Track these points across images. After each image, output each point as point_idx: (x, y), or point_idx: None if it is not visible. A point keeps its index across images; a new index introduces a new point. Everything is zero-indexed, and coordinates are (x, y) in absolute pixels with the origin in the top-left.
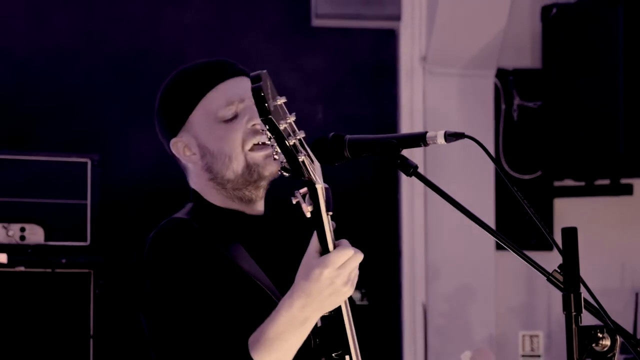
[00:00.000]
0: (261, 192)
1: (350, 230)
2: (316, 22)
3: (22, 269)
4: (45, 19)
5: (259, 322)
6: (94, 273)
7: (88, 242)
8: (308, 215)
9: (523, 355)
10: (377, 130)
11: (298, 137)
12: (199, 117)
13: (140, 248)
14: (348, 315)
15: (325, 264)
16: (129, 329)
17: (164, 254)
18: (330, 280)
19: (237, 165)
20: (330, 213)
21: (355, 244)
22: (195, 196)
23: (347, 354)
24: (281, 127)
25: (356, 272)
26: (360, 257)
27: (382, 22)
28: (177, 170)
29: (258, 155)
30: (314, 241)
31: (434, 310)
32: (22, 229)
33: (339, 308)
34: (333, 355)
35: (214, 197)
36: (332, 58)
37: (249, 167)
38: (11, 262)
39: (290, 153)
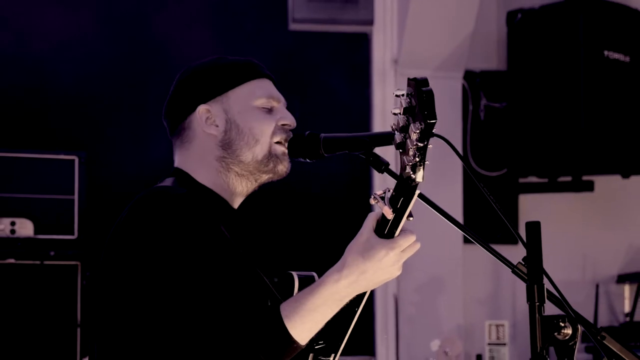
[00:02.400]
0: (251, 190)
1: (326, 224)
2: (293, 27)
3: (12, 261)
4: (36, 23)
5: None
6: (81, 265)
7: (75, 236)
8: (390, 217)
9: (489, 344)
10: (351, 128)
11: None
12: (240, 94)
13: (124, 218)
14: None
15: (393, 246)
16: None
17: (168, 218)
18: (392, 262)
19: (259, 150)
20: (412, 218)
21: (330, 237)
22: (178, 173)
23: (347, 332)
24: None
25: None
26: (418, 245)
27: (355, 26)
28: (161, 167)
29: (280, 150)
30: (371, 220)
31: (405, 301)
32: (13, 223)
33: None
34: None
35: (209, 178)
36: (308, 60)
37: (269, 155)
38: (2, 255)
39: (424, 158)
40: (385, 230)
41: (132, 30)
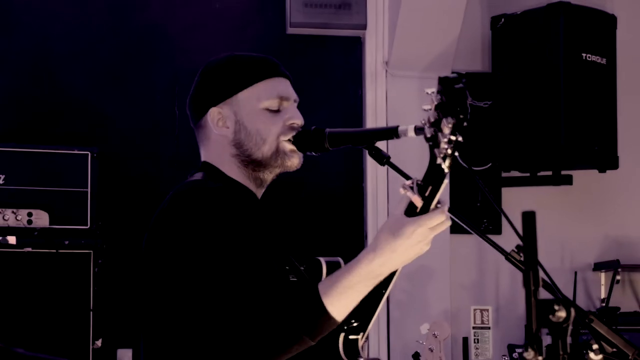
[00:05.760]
0: (270, 179)
1: (322, 214)
2: (290, 30)
3: (29, 249)
4: (48, 22)
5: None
6: (93, 253)
7: (88, 226)
8: (419, 205)
9: (474, 327)
10: (345, 126)
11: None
12: (248, 96)
13: (165, 210)
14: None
15: (420, 223)
16: (125, 304)
17: (208, 210)
18: (420, 238)
19: (267, 150)
20: (440, 205)
21: (325, 227)
22: (207, 167)
23: (374, 313)
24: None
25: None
26: (448, 223)
27: (349, 30)
28: (168, 161)
29: (288, 147)
30: (402, 204)
31: (395, 287)
32: (30, 214)
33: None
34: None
35: (233, 172)
36: (305, 62)
37: (277, 153)
38: (19, 244)
39: (455, 150)
40: (416, 212)
41: (140, 34)
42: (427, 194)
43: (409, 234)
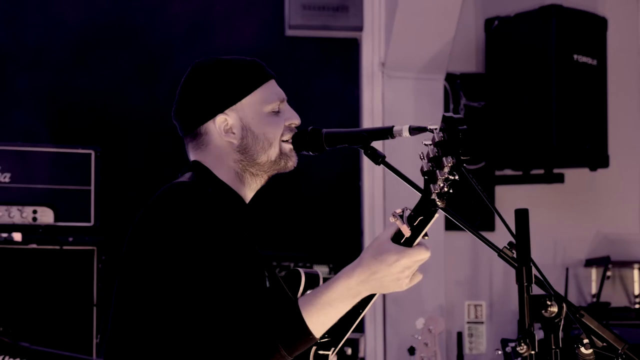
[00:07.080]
0: (264, 181)
1: (319, 213)
2: (289, 32)
3: (34, 246)
4: (52, 24)
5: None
6: (97, 250)
7: (92, 223)
8: (407, 234)
9: (468, 322)
10: (342, 125)
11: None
12: (252, 102)
13: (148, 210)
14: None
15: (404, 254)
16: None
17: (193, 213)
18: (402, 269)
19: (273, 152)
20: (427, 237)
21: (323, 225)
22: (197, 167)
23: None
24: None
25: (418, 276)
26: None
27: (346, 32)
28: (167, 160)
29: (288, 147)
30: (390, 229)
31: None
32: (35, 211)
33: (372, 296)
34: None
35: (227, 176)
36: (303, 63)
37: (281, 154)
38: (25, 240)
39: (451, 188)
40: (401, 242)
41: (141, 36)
42: (415, 224)
43: (390, 262)
